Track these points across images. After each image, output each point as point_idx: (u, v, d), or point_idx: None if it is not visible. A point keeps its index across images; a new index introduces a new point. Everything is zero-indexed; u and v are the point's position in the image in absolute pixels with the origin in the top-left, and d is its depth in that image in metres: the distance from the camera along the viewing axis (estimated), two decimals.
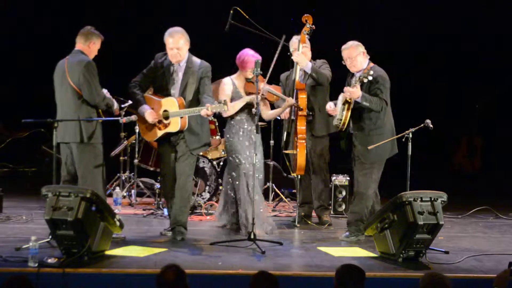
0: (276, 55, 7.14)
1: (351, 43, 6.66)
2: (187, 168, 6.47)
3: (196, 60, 6.49)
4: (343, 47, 6.66)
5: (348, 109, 6.48)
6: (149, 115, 6.33)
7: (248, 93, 6.72)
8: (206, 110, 6.19)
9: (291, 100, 6.86)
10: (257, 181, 6.59)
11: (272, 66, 7.04)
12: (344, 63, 6.63)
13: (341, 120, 6.51)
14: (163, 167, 6.57)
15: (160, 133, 6.42)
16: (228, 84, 6.76)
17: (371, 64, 6.61)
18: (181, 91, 6.42)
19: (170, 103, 6.36)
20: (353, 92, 6.36)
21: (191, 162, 6.51)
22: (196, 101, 6.42)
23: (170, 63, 6.44)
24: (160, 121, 6.38)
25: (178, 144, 6.43)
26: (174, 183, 6.45)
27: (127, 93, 6.53)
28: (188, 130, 6.38)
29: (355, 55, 6.57)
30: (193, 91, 6.43)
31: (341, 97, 6.59)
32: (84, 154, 6.13)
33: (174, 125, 6.35)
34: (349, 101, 6.43)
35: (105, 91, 6.27)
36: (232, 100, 6.68)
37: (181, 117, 6.30)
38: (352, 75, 6.68)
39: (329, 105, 6.73)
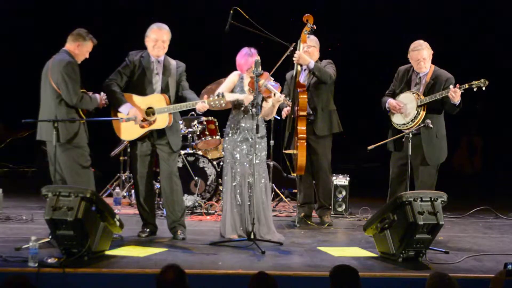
0: (282, 58, 7.13)
1: (424, 43, 6.71)
2: (175, 167, 6.51)
3: (171, 60, 6.48)
4: (415, 47, 6.70)
5: (424, 110, 6.59)
6: (134, 112, 6.25)
7: (251, 90, 6.44)
8: (202, 103, 6.18)
9: (277, 97, 6.28)
10: (263, 183, 6.44)
11: (276, 66, 7.01)
12: (410, 62, 6.73)
13: (413, 120, 6.61)
14: (140, 169, 6.44)
15: (143, 131, 6.34)
16: (233, 76, 6.53)
17: (433, 66, 6.75)
18: (163, 89, 6.39)
19: (157, 100, 6.31)
20: (459, 95, 6.44)
21: (177, 159, 6.65)
22: (176, 98, 6.43)
23: (149, 62, 6.39)
24: (143, 119, 6.32)
25: (161, 145, 6.40)
26: (151, 183, 6.51)
27: (103, 91, 6.34)
28: (169, 129, 6.36)
29: (428, 55, 6.67)
30: (174, 89, 6.43)
31: (410, 96, 6.65)
32: (64, 155, 6.09)
33: (162, 122, 6.30)
34: (425, 103, 6.57)
35: (90, 93, 6.25)
36: (232, 92, 6.52)
37: (169, 113, 6.27)
38: (410, 73, 6.77)
39: (398, 103, 6.73)
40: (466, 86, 6.47)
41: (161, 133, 6.39)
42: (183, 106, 6.29)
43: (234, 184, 6.42)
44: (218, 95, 6.14)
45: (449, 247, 6.23)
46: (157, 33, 6.37)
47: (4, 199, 7.82)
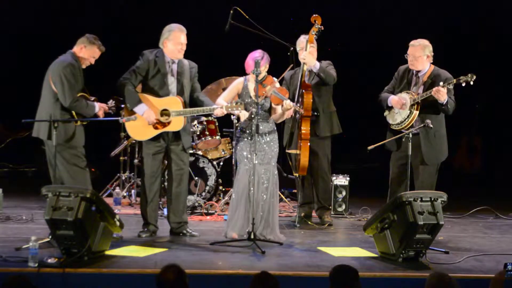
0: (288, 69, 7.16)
1: (422, 42, 6.70)
2: (187, 166, 6.54)
3: (184, 60, 6.47)
4: (413, 43, 6.71)
5: (417, 109, 6.59)
6: (149, 114, 6.28)
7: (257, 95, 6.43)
8: (221, 109, 6.21)
9: (288, 104, 6.39)
10: (274, 183, 6.48)
11: (285, 72, 7.03)
12: (406, 57, 6.74)
13: (406, 119, 6.62)
14: (152, 168, 6.44)
15: (156, 132, 6.35)
16: (237, 83, 6.57)
17: (433, 67, 6.72)
18: (178, 90, 6.39)
19: (173, 102, 6.32)
20: (444, 94, 6.43)
21: (188, 158, 6.65)
22: (190, 100, 6.45)
23: (164, 62, 6.36)
24: (157, 121, 6.33)
25: (173, 145, 6.43)
26: (160, 183, 6.57)
27: (117, 90, 6.36)
28: (183, 129, 6.39)
29: (419, 56, 6.66)
30: (189, 90, 6.43)
31: (406, 96, 6.66)
32: (59, 155, 6.08)
33: (177, 124, 6.32)
34: (419, 102, 6.56)
35: (92, 98, 6.25)
36: (239, 97, 6.55)
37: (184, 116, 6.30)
38: (410, 73, 6.77)
39: (400, 98, 6.69)
40: (454, 81, 6.46)
41: (175, 133, 6.41)
42: (200, 111, 6.35)
43: (246, 183, 6.41)
44: (236, 102, 6.23)
45: (449, 247, 6.23)
46: (180, 35, 6.34)
47: (4, 199, 7.82)
